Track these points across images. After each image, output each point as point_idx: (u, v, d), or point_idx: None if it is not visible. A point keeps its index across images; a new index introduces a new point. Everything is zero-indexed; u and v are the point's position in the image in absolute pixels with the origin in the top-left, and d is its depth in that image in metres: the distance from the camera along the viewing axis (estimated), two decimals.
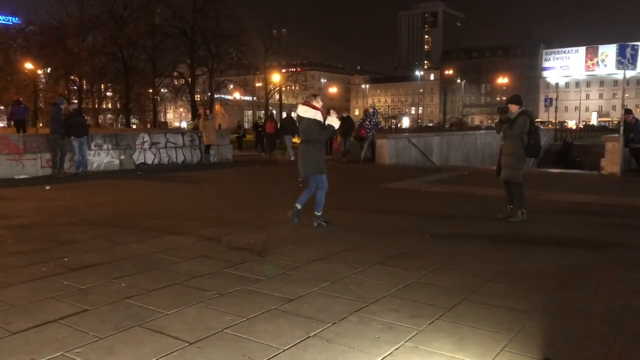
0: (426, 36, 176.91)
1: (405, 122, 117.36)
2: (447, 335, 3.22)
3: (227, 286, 4.19)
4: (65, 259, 5.00)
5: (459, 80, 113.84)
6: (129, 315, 3.55)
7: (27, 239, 5.88)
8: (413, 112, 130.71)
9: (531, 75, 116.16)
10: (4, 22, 52.75)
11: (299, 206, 6.63)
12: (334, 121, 6.47)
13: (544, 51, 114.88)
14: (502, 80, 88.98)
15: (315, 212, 6.56)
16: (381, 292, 4.01)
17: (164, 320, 3.48)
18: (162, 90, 52.58)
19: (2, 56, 44.03)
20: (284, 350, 3.01)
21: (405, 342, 3.12)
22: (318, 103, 6.39)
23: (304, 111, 6.41)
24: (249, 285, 4.23)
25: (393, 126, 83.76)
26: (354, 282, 4.31)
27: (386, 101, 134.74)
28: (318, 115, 6.33)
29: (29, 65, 42.00)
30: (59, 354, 2.96)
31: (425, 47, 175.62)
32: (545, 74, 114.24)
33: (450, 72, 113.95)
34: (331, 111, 6.47)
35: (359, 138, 17.10)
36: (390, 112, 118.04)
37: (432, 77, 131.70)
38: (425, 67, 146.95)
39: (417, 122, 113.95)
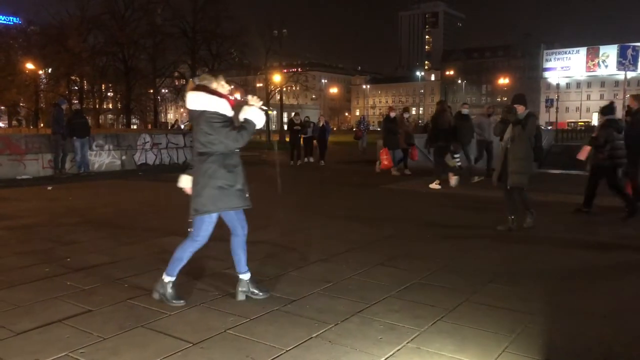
0: (427, 36, 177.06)
1: None
2: (449, 336, 3.24)
3: (228, 287, 4.19)
4: (68, 260, 5.02)
5: (459, 81, 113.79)
6: (132, 316, 3.57)
7: (29, 240, 5.91)
8: (414, 112, 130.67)
9: (532, 75, 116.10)
10: (4, 22, 52.77)
11: (244, 276, 3.95)
12: (253, 112, 3.73)
13: (545, 52, 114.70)
14: (503, 80, 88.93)
15: (164, 277, 3.85)
16: (383, 293, 4.02)
17: (167, 320, 3.50)
18: (163, 90, 52.58)
19: (3, 56, 44.03)
20: (287, 351, 3.02)
21: (407, 343, 3.14)
22: (221, 87, 3.72)
23: (192, 101, 3.65)
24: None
25: None
26: (355, 283, 4.33)
27: (387, 101, 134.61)
28: (221, 106, 3.64)
29: (30, 66, 42.02)
30: (63, 354, 2.98)
31: (426, 47, 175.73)
32: (546, 74, 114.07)
33: (451, 72, 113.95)
34: (249, 96, 3.84)
35: (357, 138, 23.21)
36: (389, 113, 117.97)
37: (432, 77, 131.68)
38: (426, 67, 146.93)
39: (417, 123, 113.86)
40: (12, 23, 51.37)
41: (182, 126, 37.61)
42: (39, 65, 43.26)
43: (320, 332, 3.30)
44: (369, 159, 18.36)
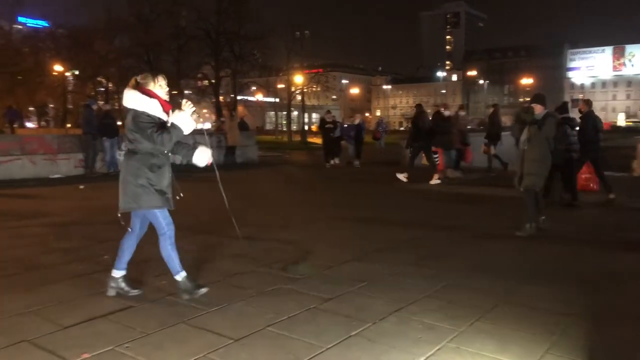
0: (448, 37, 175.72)
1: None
2: (489, 336, 3.23)
3: (265, 285, 4.26)
4: (106, 257, 5.12)
5: (481, 81, 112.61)
6: (172, 312, 3.64)
7: (67, 237, 6.06)
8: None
9: (555, 75, 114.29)
10: (34, 25, 54.02)
11: (117, 273, 4.03)
12: (181, 118, 3.76)
13: (569, 51, 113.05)
14: (526, 81, 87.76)
15: (175, 277, 3.91)
16: (418, 293, 4.03)
17: (207, 317, 3.56)
18: (186, 91, 53.20)
19: (32, 59, 45.06)
20: (328, 348, 3.05)
21: (446, 342, 3.14)
22: (159, 87, 3.84)
23: (125, 98, 3.78)
24: (286, 284, 4.29)
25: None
26: (390, 282, 4.34)
27: (408, 102, 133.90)
28: (151, 106, 3.72)
29: (58, 67, 42.97)
30: (110, 348, 3.06)
31: (447, 47, 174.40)
32: (570, 74, 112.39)
33: (473, 73, 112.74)
34: (184, 100, 3.89)
35: (375, 138, 25.14)
36: (412, 114, 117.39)
37: (454, 77, 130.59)
38: (447, 67, 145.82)
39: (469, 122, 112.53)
40: (40, 27, 52.58)
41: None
42: (67, 67, 44.20)
43: (359, 330, 3.32)
44: (390, 159, 18.30)
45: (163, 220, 3.91)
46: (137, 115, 3.68)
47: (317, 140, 38.83)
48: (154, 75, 3.84)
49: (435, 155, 12.41)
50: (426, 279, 4.40)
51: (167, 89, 3.88)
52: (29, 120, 54.39)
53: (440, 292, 4.07)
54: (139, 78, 3.82)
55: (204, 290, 3.90)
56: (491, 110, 14.21)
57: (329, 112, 17.68)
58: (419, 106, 12.60)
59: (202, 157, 4.00)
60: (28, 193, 10.11)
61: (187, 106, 3.81)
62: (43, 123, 51.77)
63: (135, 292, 4.02)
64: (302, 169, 17.19)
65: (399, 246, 5.66)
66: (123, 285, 4.01)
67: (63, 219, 7.23)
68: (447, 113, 12.65)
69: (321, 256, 5.19)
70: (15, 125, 27.39)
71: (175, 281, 3.92)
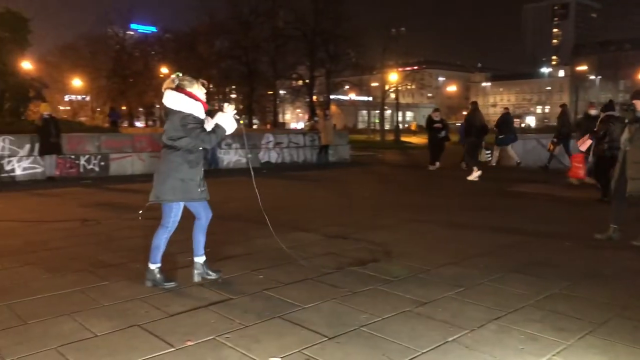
0: (555, 30, 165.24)
1: (531, 122, 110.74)
2: (600, 352, 2.98)
3: (358, 284, 4.26)
4: (208, 250, 5.36)
5: (592, 77, 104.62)
6: (269, 307, 3.74)
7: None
8: (539, 111, 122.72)
9: None
10: (144, 31, 58.33)
11: (198, 259, 4.45)
12: (224, 119, 4.10)
13: None
14: None
15: (150, 264, 4.26)
16: (520, 302, 3.82)
17: (302, 313, 3.62)
18: (281, 91, 54.74)
19: (142, 62, 48.68)
20: (423, 352, 2.98)
21: (552, 355, 2.95)
22: (198, 90, 4.08)
23: (170, 100, 4.02)
24: (380, 285, 4.26)
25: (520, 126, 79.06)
26: (489, 289, 4.15)
27: (509, 100, 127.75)
28: (197, 109, 4.03)
29: (164, 70, 46.06)
30: (211, 337, 3.20)
31: (554, 41, 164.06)
32: None
33: (583, 67, 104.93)
34: (225, 104, 4.17)
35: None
36: (514, 111, 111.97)
37: (560, 73, 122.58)
38: (553, 62, 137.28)
39: (543, 122, 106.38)
40: (149, 32, 56.67)
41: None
42: (172, 69, 47.23)
43: (456, 336, 3.21)
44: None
45: (174, 215, 4.28)
46: (185, 117, 3.99)
47: (412, 139, 38.30)
48: (196, 78, 4.16)
49: (488, 152, 13.09)
50: (527, 287, 4.16)
51: (205, 90, 4.21)
52: (138, 120, 58.80)
53: (543, 302, 3.83)
54: (177, 80, 4.06)
55: (171, 284, 4.21)
56: (560, 110, 14.73)
57: (437, 110, 16.50)
58: (473, 103, 13.47)
59: (227, 121, 4.13)
60: (138, 188, 10.90)
61: (229, 109, 4.15)
62: (150, 122, 55.71)
63: (213, 275, 4.37)
64: (395, 168, 17.00)
65: (496, 251, 5.41)
66: (203, 269, 4.37)
67: None
68: (593, 112, 10.83)
69: (416, 259, 5.08)
70: (125, 125, 30.46)
71: (148, 268, 4.24)
